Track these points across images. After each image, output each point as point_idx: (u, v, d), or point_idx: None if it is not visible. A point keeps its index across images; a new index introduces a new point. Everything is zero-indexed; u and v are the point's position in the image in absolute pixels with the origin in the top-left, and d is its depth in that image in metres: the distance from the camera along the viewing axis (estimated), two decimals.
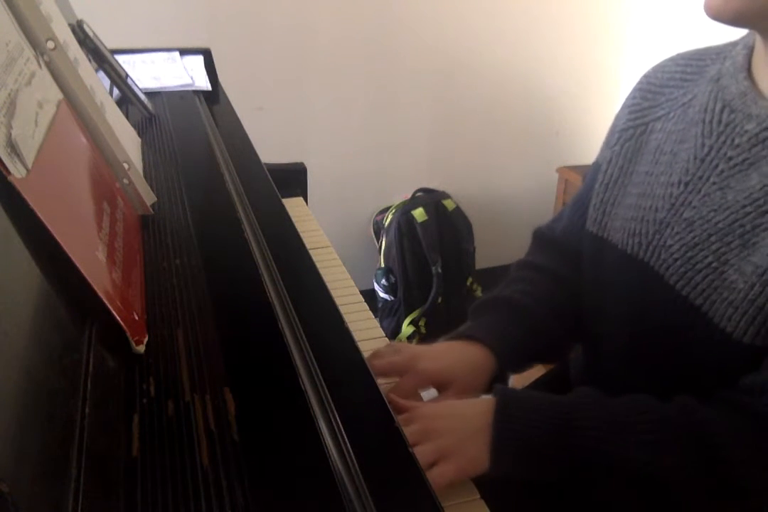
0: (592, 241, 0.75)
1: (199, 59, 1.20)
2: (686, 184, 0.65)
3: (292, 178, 1.17)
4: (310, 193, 1.21)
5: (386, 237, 2.06)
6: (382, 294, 2.09)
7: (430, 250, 2.02)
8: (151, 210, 0.64)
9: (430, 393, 0.69)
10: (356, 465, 0.40)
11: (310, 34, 1.83)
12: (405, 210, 2.03)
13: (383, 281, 2.07)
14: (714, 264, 0.60)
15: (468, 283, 2.16)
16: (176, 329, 0.48)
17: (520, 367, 0.77)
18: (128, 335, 0.44)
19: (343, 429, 0.43)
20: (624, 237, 0.70)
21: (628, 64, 2.17)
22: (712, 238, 0.61)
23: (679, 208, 0.65)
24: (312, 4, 1.79)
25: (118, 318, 0.43)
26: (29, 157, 0.42)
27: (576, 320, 0.79)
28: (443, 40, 1.97)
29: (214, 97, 1.11)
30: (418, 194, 2.10)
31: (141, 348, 0.45)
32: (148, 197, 0.64)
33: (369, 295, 2.09)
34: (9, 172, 0.38)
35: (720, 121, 0.63)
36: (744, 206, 0.59)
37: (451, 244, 2.09)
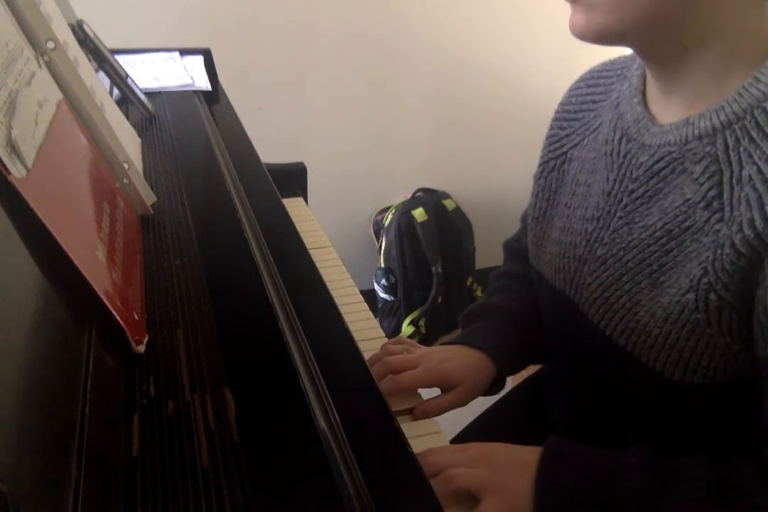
0: (534, 273, 0.75)
1: (199, 59, 1.20)
2: (598, 220, 0.63)
3: (292, 178, 1.17)
4: (310, 193, 1.21)
5: (386, 237, 2.06)
6: (382, 294, 2.09)
7: (430, 250, 2.02)
8: (151, 210, 0.64)
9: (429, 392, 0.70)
10: (356, 465, 0.40)
11: (310, 34, 1.83)
12: (405, 210, 2.02)
13: (383, 281, 2.07)
14: (628, 305, 0.59)
15: (468, 283, 2.16)
16: (176, 329, 0.48)
17: (516, 367, 0.77)
18: (128, 335, 0.44)
19: (343, 429, 0.43)
20: (552, 272, 0.69)
21: None
22: (624, 278, 0.59)
23: (594, 244, 0.63)
24: (312, 4, 1.79)
25: (118, 318, 0.43)
26: (29, 157, 0.42)
27: None
28: (443, 40, 1.97)
29: (214, 97, 1.11)
30: (418, 194, 2.10)
31: (141, 348, 0.45)
32: (148, 197, 0.64)
33: (369, 295, 2.08)
34: (9, 172, 0.38)
35: (619, 153, 0.62)
36: (649, 245, 0.57)
37: (451, 244, 2.09)
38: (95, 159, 0.58)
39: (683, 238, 0.55)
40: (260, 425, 0.41)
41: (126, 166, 0.62)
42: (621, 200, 0.61)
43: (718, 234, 0.52)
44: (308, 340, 0.51)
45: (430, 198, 2.08)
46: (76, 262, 0.41)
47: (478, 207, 2.22)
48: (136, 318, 0.47)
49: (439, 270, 2.04)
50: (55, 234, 0.40)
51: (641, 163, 0.59)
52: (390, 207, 2.08)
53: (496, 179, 2.26)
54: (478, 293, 2.20)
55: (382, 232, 2.07)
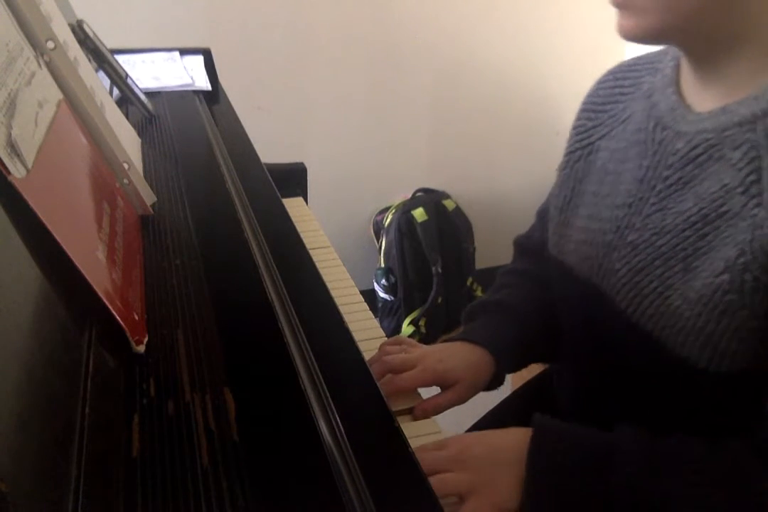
0: (554, 263, 0.75)
1: (199, 59, 1.20)
2: (629, 206, 0.64)
3: (292, 178, 1.18)
4: (310, 193, 1.21)
5: (386, 237, 2.06)
6: (382, 294, 2.09)
7: (430, 250, 2.02)
8: (151, 210, 0.64)
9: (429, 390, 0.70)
10: (356, 465, 0.40)
11: (310, 34, 1.83)
12: (405, 210, 2.02)
13: (383, 281, 2.07)
14: (659, 290, 0.59)
15: (468, 283, 2.16)
16: (176, 329, 0.48)
17: (517, 365, 0.77)
18: (128, 335, 0.44)
19: (343, 429, 0.43)
20: (577, 260, 0.69)
21: None
22: (656, 262, 0.59)
23: (624, 230, 0.64)
24: (312, 4, 1.79)
25: (118, 318, 0.43)
26: (29, 157, 0.42)
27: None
28: (443, 40, 1.97)
29: (214, 97, 1.11)
30: (418, 194, 2.10)
31: (141, 348, 0.45)
32: (148, 197, 0.64)
33: (369, 295, 2.08)
34: (9, 172, 0.38)
35: (653, 140, 0.62)
36: (683, 230, 0.58)
37: (451, 244, 2.09)
38: (95, 159, 0.58)
39: (719, 223, 0.55)
40: (260, 425, 0.41)
41: (126, 166, 0.62)
42: (654, 186, 0.61)
43: (756, 218, 0.53)
44: (308, 340, 0.51)
45: (430, 198, 2.08)
46: (76, 262, 0.41)
47: (478, 207, 2.22)
48: (136, 318, 0.47)
49: (439, 270, 2.04)
50: (55, 234, 0.40)
51: (677, 150, 0.60)
52: (390, 207, 2.08)
53: (496, 179, 2.26)
54: (478, 293, 2.20)
55: (382, 232, 2.07)
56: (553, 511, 0.56)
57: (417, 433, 0.62)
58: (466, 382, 0.69)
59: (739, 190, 0.54)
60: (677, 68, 0.63)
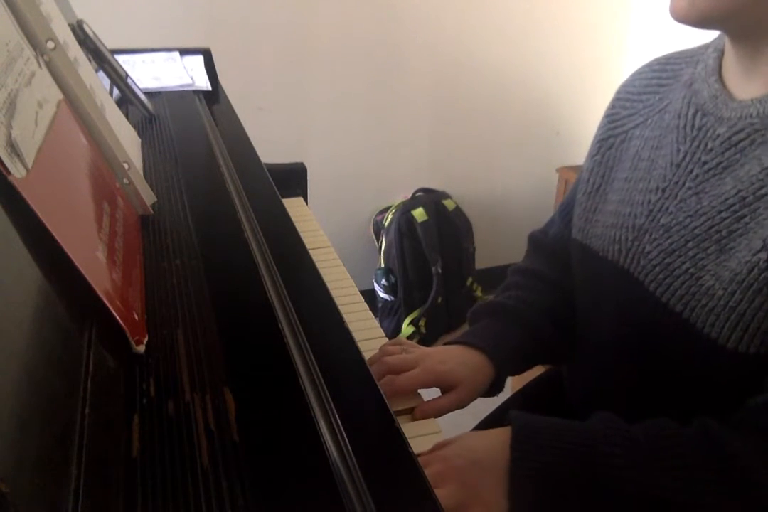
0: (578, 249, 0.75)
1: (199, 59, 1.20)
2: (663, 190, 0.64)
3: (292, 178, 1.18)
4: (310, 193, 1.21)
5: (386, 237, 2.06)
6: (382, 294, 2.09)
7: (430, 250, 2.02)
8: (151, 210, 0.64)
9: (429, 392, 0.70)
10: (356, 465, 0.40)
11: (310, 34, 1.83)
12: (405, 210, 2.02)
13: (383, 281, 2.07)
14: (691, 271, 0.59)
15: (468, 283, 2.16)
16: (176, 329, 0.48)
17: (517, 370, 0.77)
18: (128, 335, 0.44)
19: (343, 429, 0.43)
20: (605, 244, 0.70)
21: (629, 63, 2.17)
22: (689, 244, 0.60)
23: (657, 214, 0.65)
24: (312, 4, 1.79)
25: (118, 318, 0.43)
26: (29, 157, 0.42)
27: (572, 322, 0.79)
28: (444, 40, 1.97)
29: (214, 97, 1.11)
30: (418, 194, 2.10)
31: (141, 348, 0.45)
32: (148, 197, 0.64)
33: (369, 295, 2.09)
34: (9, 172, 0.38)
35: (693, 126, 0.63)
36: (720, 212, 0.58)
37: (451, 244, 2.09)
38: (95, 159, 0.58)
39: (757, 205, 0.56)
40: (260, 425, 0.41)
41: (126, 166, 0.62)
42: (692, 171, 0.62)
43: None
44: (308, 340, 0.51)
45: (430, 198, 2.08)
46: (76, 262, 0.41)
47: (478, 207, 2.22)
48: (136, 318, 0.47)
49: (439, 270, 2.04)
50: (55, 234, 0.40)
51: (718, 135, 0.60)
52: (390, 207, 2.08)
53: (496, 179, 2.27)
54: (478, 293, 2.20)
55: (382, 232, 2.07)
56: (541, 507, 0.56)
57: (417, 433, 0.62)
58: (467, 385, 0.69)
59: None
60: (719, 59, 0.64)
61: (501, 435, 0.58)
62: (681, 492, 0.53)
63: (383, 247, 2.07)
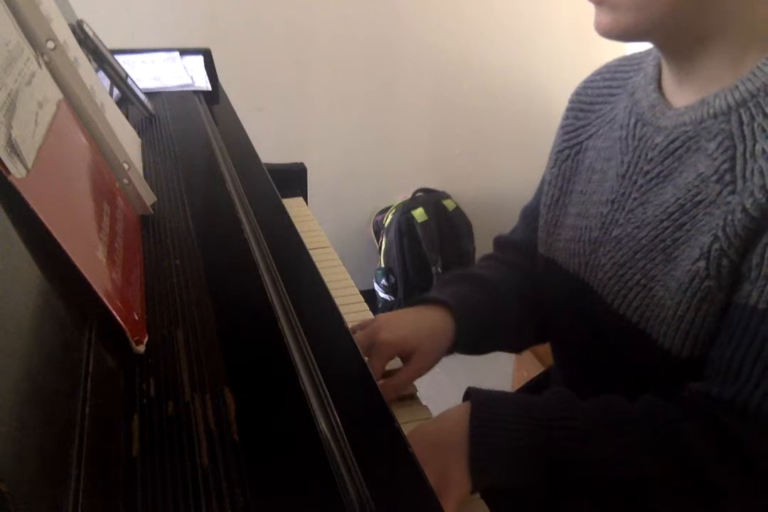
0: (543, 262, 0.75)
1: (199, 59, 1.20)
2: (613, 202, 0.65)
3: (292, 178, 1.18)
4: (310, 193, 1.21)
5: (386, 237, 2.06)
6: (382, 295, 2.09)
7: (430, 249, 2.02)
8: (151, 210, 0.64)
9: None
10: (356, 465, 0.40)
11: (310, 34, 1.83)
12: (405, 210, 2.03)
13: (383, 281, 2.07)
14: (643, 282, 0.60)
15: None
16: (176, 329, 0.48)
17: (476, 340, 0.74)
18: (128, 335, 0.44)
19: (342, 429, 0.43)
20: (566, 257, 0.71)
21: None
22: (638, 255, 0.61)
23: (609, 226, 0.65)
24: (312, 4, 1.79)
25: (118, 318, 0.43)
26: (29, 157, 0.42)
27: (538, 319, 0.79)
28: (443, 40, 1.97)
29: (214, 97, 1.11)
30: (418, 194, 2.10)
31: (141, 348, 0.45)
32: (148, 197, 0.64)
33: (369, 295, 2.09)
34: (9, 172, 0.38)
35: (634, 136, 0.63)
36: (662, 221, 0.59)
37: (451, 244, 2.09)
38: (95, 159, 0.58)
39: (695, 211, 0.56)
40: (260, 425, 0.41)
41: (126, 166, 0.62)
42: (636, 181, 0.62)
43: (729, 205, 0.53)
44: (308, 340, 0.51)
45: (430, 198, 2.08)
46: (76, 262, 0.41)
47: (478, 207, 2.22)
48: (136, 318, 0.47)
49: (439, 270, 2.04)
50: (55, 234, 0.40)
51: (656, 144, 0.61)
52: (390, 207, 2.08)
53: (495, 179, 2.26)
54: None
55: (382, 232, 2.07)
56: (502, 483, 0.57)
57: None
58: (424, 349, 0.68)
59: (714, 178, 0.55)
60: (658, 67, 0.64)
61: (456, 414, 0.58)
62: (628, 465, 0.54)
63: (383, 247, 2.07)
